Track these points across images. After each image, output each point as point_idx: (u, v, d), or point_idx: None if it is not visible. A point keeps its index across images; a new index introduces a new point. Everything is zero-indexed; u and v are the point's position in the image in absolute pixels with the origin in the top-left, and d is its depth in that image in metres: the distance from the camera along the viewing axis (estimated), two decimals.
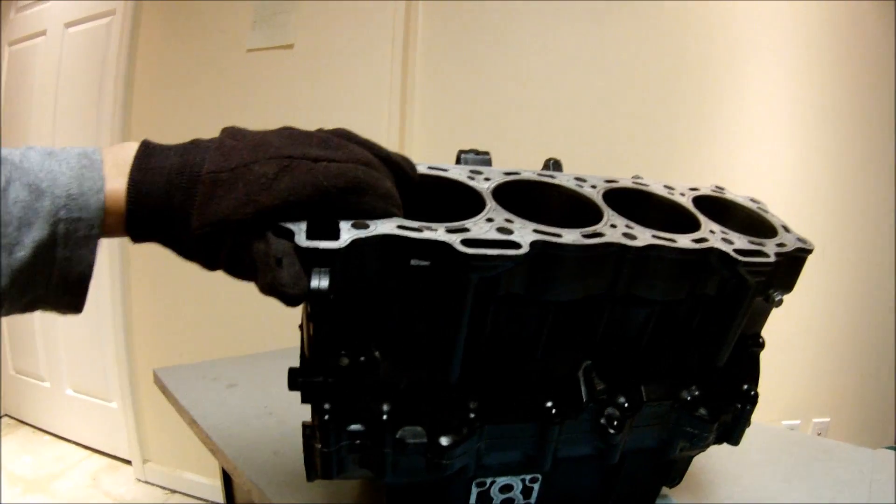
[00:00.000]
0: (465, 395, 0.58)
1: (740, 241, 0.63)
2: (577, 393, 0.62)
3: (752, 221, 0.75)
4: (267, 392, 1.21)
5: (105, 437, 2.93)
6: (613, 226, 0.59)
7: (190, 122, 2.43)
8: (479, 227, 0.53)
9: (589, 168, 2.00)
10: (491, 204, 0.58)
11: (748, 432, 1.10)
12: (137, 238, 0.51)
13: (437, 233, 0.50)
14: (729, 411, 0.69)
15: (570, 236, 0.54)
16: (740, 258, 0.59)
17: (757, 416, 1.98)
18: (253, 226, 0.49)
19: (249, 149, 0.51)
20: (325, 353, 0.55)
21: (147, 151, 0.51)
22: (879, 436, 2.31)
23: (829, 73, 2.04)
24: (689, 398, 0.67)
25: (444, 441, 0.56)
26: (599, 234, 0.56)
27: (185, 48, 2.44)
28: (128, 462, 2.86)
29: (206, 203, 0.48)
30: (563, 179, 0.70)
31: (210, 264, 0.55)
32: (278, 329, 2.13)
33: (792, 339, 2.11)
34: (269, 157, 0.50)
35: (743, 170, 2.01)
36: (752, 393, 0.70)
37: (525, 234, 0.53)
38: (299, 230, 0.48)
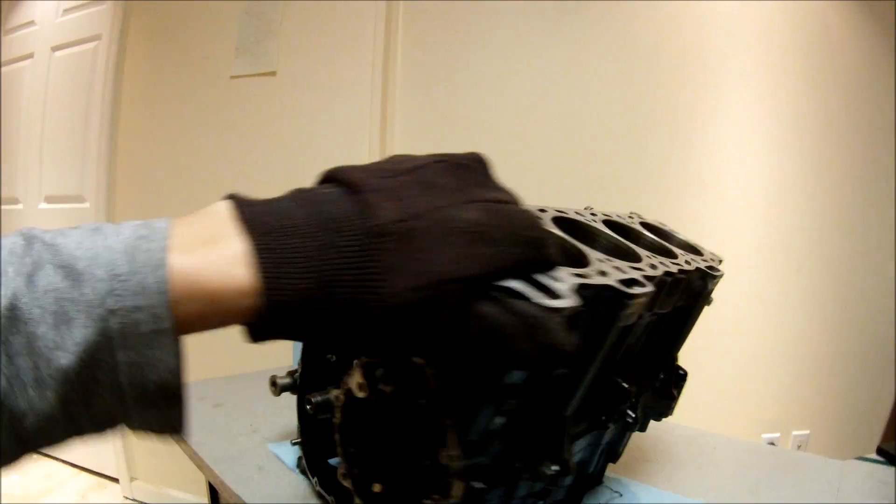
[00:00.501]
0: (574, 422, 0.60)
1: (700, 260, 0.74)
2: (611, 398, 0.68)
3: (683, 242, 0.85)
4: (251, 411, 1.23)
5: (93, 455, 2.93)
6: (648, 256, 0.64)
7: (174, 146, 2.46)
8: (608, 268, 0.52)
9: (566, 185, 2.04)
10: (584, 246, 0.58)
11: (719, 446, 1.13)
12: (262, 334, 0.39)
13: (598, 277, 0.49)
14: (679, 388, 0.82)
15: (648, 270, 0.58)
16: (714, 273, 0.72)
17: (737, 430, 2.00)
18: (473, 285, 0.38)
19: (422, 188, 0.39)
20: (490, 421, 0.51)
21: (251, 210, 0.37)
22: (859, 447, 2.32)
23: (801, 92, 2.08)
24: (658, 384, 0.80)
25: (558, 468, 0.57)
26: (655, 266, 0.61)
27: (171, 73, 2.47)
28: (115, 480, 2.85)
29: (406, 261, 0.36)
30: (572, 213, 0.73)
31: (376, 347, 0.43)
32: (262, 350, 2.14)
33: (771, 352, 2.13)
34: (464, 202, 0.39)
35: (718, 187, 2.04)
36: (685, 373, 0.82)
37: (629, 271, 0.54)
38: (521, 287, 0.40)
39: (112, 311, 0.31)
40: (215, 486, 0.97)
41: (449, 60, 2.15)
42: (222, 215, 0.37)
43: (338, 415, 0.63)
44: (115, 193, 2.63)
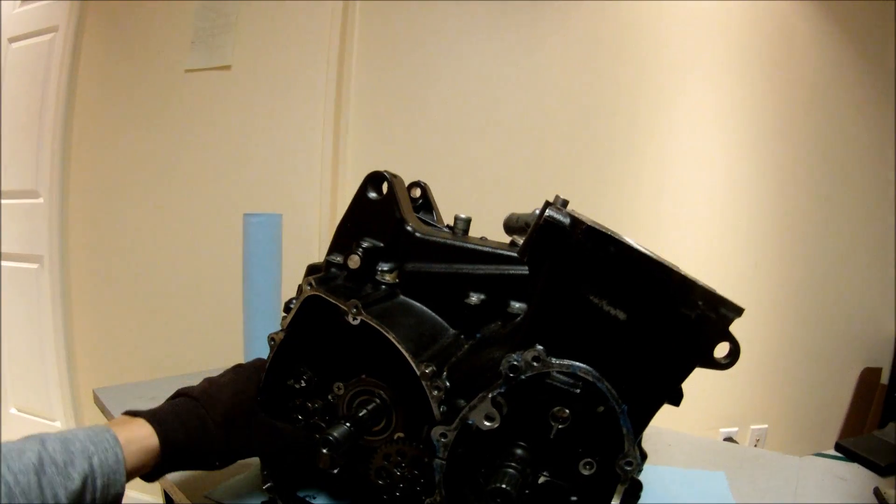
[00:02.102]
0: None
1: None
2: None
3: None
4: None
5: None
6: None
7: (129, 139, 2.43)
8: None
9: (526, 184, 2.05)
10: None
11: (675, 443, 1.13)
12: None
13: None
14: None
15: None
16: None
17: (695, 424, 2.01)
18: None
19: None
20: None
21: None
22: (817, 441, 2.36)
23: (760, 91, 2.11)
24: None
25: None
26: None
27: (126, 66, 2.44)
28: None
29: None
30: None
31: None
32: (216, 350, 2.13)
33: None
34: None
35: (676, 185, 2.06)
36: None
37: None
38: None
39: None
40: (167, 491, 0.94)
41: (405, 54, 2.14)
42: None
43: (443, 453, 0.59)
44: (70, 189, 2.59)
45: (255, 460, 0.79)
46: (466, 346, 0.71)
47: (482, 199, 2.00)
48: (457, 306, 0.73)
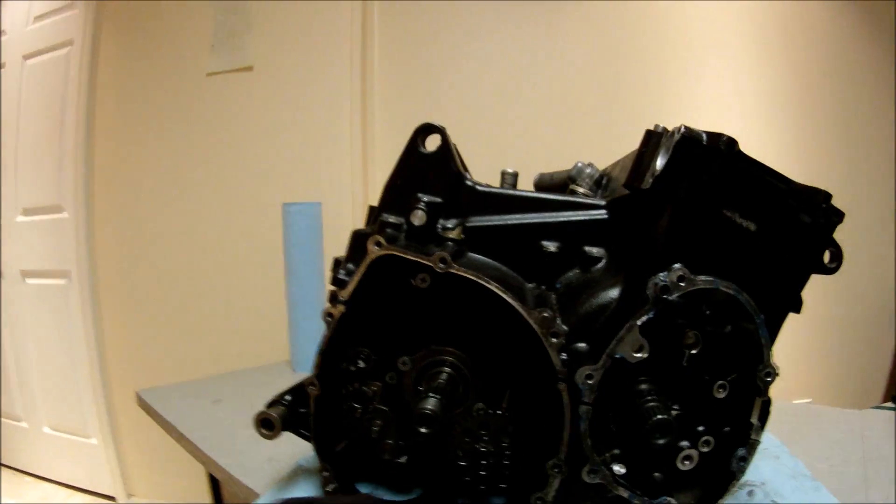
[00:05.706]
0: None
1: None
2: None
3: None
4: (251, 405, 1.20)
5: (87, 474, 2.87)
6: None
7: (153, 148, 2.43)
8: None
9: (547, 165, 2.02)
10: None
11: None
12: None
13: None
14: None
15: None
16: None
17: None
18: None
19: None
20: None
21: None
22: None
23: (780, 71, 2.10)
24: None
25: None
26: None
27: (145, 74, 2.44)
28: (111, 498, 2.80)
29: None
30: None
31: None
32: (257, 347, 2.12)
33: None
34: None
35: None
36: None
37: None
38: None
39: None
40: (222, 482, 0.93)
41: (428, 49, 2.14)
42: None
43: (590, 397, 0.56)
44: (95, 200, 2.59)
45: (312, 456, 0.71)
46: (554, 295, 0.65)
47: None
48: (531, 257, 0.67)
